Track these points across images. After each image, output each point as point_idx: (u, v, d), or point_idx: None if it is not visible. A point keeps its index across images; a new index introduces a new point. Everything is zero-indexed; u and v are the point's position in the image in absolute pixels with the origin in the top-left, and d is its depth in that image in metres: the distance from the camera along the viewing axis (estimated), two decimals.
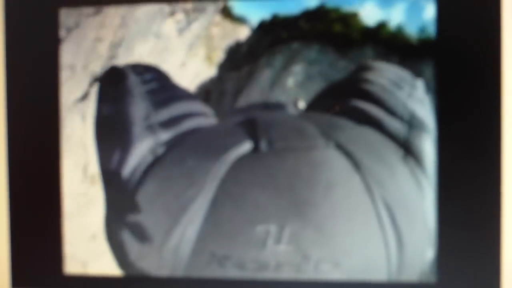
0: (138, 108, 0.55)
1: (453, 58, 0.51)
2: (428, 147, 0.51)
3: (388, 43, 0.52)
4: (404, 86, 0.52)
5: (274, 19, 0.52)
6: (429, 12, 0.51)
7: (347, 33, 0.52)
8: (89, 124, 0.57)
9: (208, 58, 0.54)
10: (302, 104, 0.54)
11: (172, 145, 0.54)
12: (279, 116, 0.54)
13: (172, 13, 0.55)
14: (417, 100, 0.52)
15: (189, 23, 0.54)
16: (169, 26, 0.55)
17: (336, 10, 0.52)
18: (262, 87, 0.54)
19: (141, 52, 0.56)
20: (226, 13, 0.53)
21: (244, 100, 0.54)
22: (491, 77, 0.51)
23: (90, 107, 0.57)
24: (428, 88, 0.51)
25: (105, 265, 0.56)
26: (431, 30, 0.51)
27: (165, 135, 0.54)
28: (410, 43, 0.51)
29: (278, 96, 0.54)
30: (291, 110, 0.54)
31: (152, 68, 0.56)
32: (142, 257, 0.54)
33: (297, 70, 0.53)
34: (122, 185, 0.54)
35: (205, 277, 0.54)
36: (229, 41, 0.53)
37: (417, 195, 0.51)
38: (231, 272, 0.52)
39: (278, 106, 0.55)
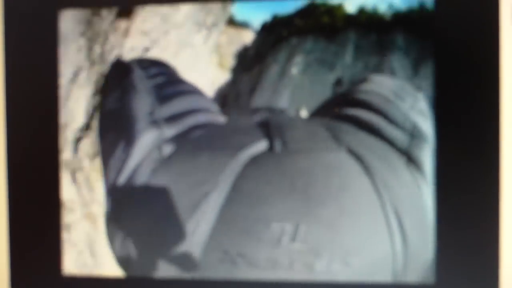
0: (143, 103, 0.54)
1: (452, 56, 0.53)
2: (429, 157, 0.53)
3: (367, 24, 0.61)
4: (406, 97, 0.54)
5: (274, 20, 0.58)
6: None
7: (333, 22, 0.60)
8: None
9: (221, 64, 0.59)
10: (304, 113, 0.58)
11: (180, 141, 0.54)
12: (290, 118, 0.57)
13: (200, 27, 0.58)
14: (419, 111, 0.53)
15: (208, 36, 0.58)
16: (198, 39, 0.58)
17: (324, 4, 0.59)
18: (272, 81, 0.60)
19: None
20: (230, 21, 0.59)
21: (259, 95, 0.60)
22: (489, 77, 0.52)
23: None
24: (427, 87, 0.54)
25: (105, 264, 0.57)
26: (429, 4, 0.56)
27: (170, 131, 0.54)
28: (385, 20, 0.61)
29: (287, 86, 0.61)
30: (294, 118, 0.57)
31: (158, 63, 0.56)
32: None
33: (298, 60, 0.61)
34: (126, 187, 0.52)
35: (206, 279, 0.53)
36: (236, 46, 0.59)
37: (419, 198, 0.52)
38: (243, 271, 0.52)
39: (281, 113, 0.57)
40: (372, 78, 0.57)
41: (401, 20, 0.58)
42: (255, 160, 0.53)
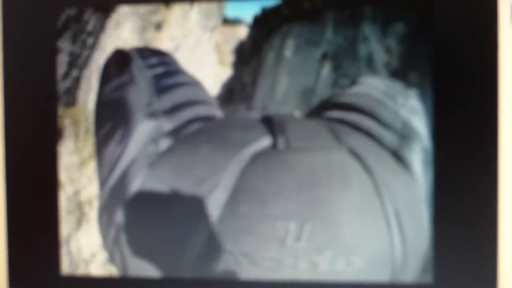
0: (141, 94, 0.53)
1: (451, 56, 0.53)
2: (419, 156, 0.53)
3: (340, 2, 0.67)
4: (397, 97, 0.55)
5: (264, 12, 0.63)
6: None
7: (313, 6, 0.66)
8: None
9: (221, 62, 0.63)
10: (298, 115, 0.59)
11: (179, 135, 0.53)
12: (291, 117, 0.57)
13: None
14: (411, 109, 0.54)
15: (211, 37, 0.61)
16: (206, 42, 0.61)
17: None
18: (271, 66, 0.65)
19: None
20: (223, 19, 0.62)
21: (262, 82, 0.64)
22: (487, 77, 0.52)
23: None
24: (424, 89, 0.54)
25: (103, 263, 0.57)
26: None
27: (168, 124, 0.53)
28: None
29: (284, 68, 0.66)
30: None
31: (159, 52, 0.55)
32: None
33: (290, 44, 0.66)
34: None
35: (209, 278, 0.53)
36: (233, 43, 0.63)
37: (414, 198, 0.53)
38: (247, 270, 0.52)
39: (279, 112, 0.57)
40: (362, 80, 0.57)
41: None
42: (260, 156, 0.52)
